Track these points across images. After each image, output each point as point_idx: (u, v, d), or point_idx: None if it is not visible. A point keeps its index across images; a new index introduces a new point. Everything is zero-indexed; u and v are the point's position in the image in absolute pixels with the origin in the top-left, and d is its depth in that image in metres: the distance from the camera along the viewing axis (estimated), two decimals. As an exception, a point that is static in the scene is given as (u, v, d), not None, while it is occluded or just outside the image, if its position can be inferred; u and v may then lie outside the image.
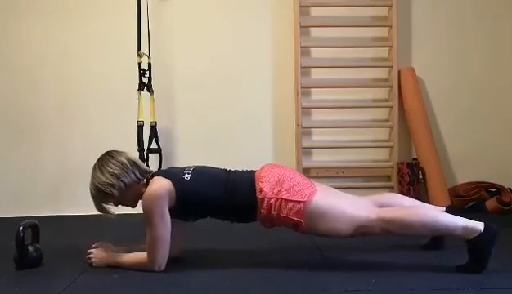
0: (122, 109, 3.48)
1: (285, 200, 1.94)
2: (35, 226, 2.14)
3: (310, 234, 2.04)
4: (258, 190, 1.98)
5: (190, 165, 2.14)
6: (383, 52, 3.65)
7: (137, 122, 3.25)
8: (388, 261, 2.07)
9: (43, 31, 3.55)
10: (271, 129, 3.64)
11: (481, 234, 1.83)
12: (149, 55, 3.33)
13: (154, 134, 3.31)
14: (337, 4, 3.60)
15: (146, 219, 1.95)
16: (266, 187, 1.97)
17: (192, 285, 1.81)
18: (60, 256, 2.24)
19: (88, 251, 2.10)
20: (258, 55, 3.63)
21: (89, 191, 2.04)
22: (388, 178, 3.59)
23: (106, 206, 2.07)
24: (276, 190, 1.96)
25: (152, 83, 3.32)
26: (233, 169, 2.16)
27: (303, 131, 3.57)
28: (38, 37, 3.55)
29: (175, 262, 2.02)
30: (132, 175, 2.02)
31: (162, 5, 3.57)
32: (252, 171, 2.11)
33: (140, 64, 3.29)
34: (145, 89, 3.30)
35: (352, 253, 2.24)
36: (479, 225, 1.85)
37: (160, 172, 2.11)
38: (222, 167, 2.17)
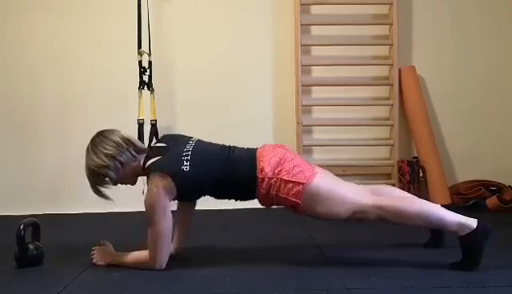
0: (122, 107, 3.48)
1: (285, 181, 1.95)
2: (36, 224, 2.14)
3: (307, 216, 2.03)
4: (258, 170, 1.98)
5: (190, 140, 2.09)
6: (383, 50, 3.65)
7: (138, 120, 3.25)
8: (388, 259, 2.07)
9: (44, 29, 3.55)
10: (272, 127, 3.64)
11: (474, 231, 1.84)
12: (149, 54, 3.33)
13: (154, 132, 3.31)
14: (337, 2, 3.60)
15: (148, 217, 1.95)
16: (267, 167, 1.97)
17: (192, 283, 1.81)
18: (60, 254, 2.24)
19: (93, 248, 2.10)
20: (259, 54, 3.62)
21: (85, 174, 2.01)
22: (389, 176, 3.59)
23: (103, 188, 2.04)
24: (276, 171, 1.96)
25: (152, 81, 3.32)
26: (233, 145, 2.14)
27: (304, 129, 3.57)
28: (39, 35, 3.55)
29: (175, 259, 2.02)
30: (128, 154, 2.00)
31: (162, 3, 3.57)
32: (253, 149, 2.09)
33: (140, 63, 3.30)
34: (145, 87, 3.30)
35: (353, 251, 2.24)
36: (473, 222, 1.87)
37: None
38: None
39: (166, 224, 1.94)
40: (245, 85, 3.62)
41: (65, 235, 2.76)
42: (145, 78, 3.31)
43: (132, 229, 2.87)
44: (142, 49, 3.30)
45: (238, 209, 3.41)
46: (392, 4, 3.53)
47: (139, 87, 3.29)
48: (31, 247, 2.08)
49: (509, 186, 3.47)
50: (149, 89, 3.32)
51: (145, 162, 2.02)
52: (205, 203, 3.34)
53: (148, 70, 3.31)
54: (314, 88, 3.65)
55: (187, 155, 1.98)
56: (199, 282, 1.82)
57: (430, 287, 1.71)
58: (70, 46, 3.56)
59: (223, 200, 2.12)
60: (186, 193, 2.02)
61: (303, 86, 3.56)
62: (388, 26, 3.61)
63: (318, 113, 3.65)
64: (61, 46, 3.56)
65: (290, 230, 2.82)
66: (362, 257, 2.14)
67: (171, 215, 1.97)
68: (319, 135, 3.65)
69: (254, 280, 1.84)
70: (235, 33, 3.62)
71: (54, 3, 3.55)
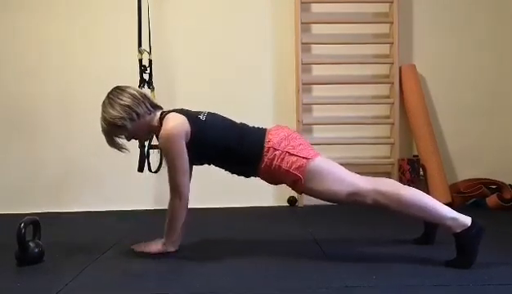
0: (123, 106, 3.47)
1: (290, 153, 2.02)
2: (36, 222, 2.14)
3: (305, 193, 2.11)
4: (266, 140, 2.06)
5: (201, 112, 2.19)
6: (384, 49, 3.65)
7: (138, 118, 3.24)
8: (388, 257, 2.07)
9: (44, 29, 3.55)
10: (273, 126, 3.63)
11: (468, 229, 1.86)
12: (149, 52, 3.33)
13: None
14: (338, 0, 3.60)
15: (165, 156, 2.03)
16: (274, 138, 2.07)
17: (193, 282, 1.81)
18: (61, 252, 2.24)
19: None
20: (259, 52, 3.62)
21: (100, 126, 2.07)
22: (389, 175, 3.59)
23: (119, 141, 2.10)
24: (283, 144, 2.05)
25: (153, 80, 3.32)
26: None
27: (304, 127, 3.57)
28: (39, 34, 3.55)
29: (176, 259, 2.02)
30: (144, 106, 2.08)
31: (163, 2, 3.56)
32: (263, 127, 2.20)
33: (141, 61, 3.29)
34: (146, 85, 3.30)
35: (353, 249, 2.25)
36: (467, 220, 1.88)
37: (175, 110, 2.15)
38: None
39: (182, 158, 2.01)
40: (246, 83, 3.62)
41: (66, 233, 2.76)
42: (146, 77, 3.30)
43: (133, 228, 2.87)
44: (143, 47, 3.30)
45: (238, 207, 3.43)
46: (392, 2, 3.53)
47: (139, 85, 3.28)
48: (32, 245, 2.08)
49: (510, 185, 3.47)
50: (149, 87, 3.31)
51: (161, 116, 2.10)
52: (205, 202, 3.36)
53: (148, 68, 3.30)
54: (314, 87, 3.66)
55: (204, 114, 2.14)
56: (199, 280, 1.82)
57: (431, 285, 1.71)
58: (71, 46, 3.56)
59: (225, 171, 2.18)
60: (199, 140, 2.05)
61: (303, 84, 3.56)
62: (388, 24, 3.61)
63: (319, 112, 3.65)
64: (62, 46, 3.56)
65: (290, 228, 2.82)
66: (363, 255, 2.15)
67: (186, 155, 2.02)
68: (319, 133, 3.65)
69: (254, 278, 1.84)
70: (235, 32, 3.62)
71: (55, 3, 3.55)
